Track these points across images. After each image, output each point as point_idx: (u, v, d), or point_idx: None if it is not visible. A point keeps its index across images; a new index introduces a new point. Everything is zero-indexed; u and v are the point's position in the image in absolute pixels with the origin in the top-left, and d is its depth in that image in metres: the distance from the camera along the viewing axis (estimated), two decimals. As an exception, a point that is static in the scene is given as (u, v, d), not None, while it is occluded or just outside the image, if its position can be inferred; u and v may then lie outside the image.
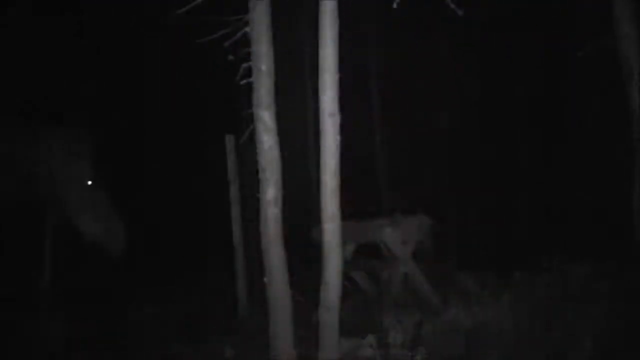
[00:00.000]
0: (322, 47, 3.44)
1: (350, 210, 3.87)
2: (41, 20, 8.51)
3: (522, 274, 5.17)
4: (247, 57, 3.58)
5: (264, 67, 3.51)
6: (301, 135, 9.73)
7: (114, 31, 9.10)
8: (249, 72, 3.58)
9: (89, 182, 5.31)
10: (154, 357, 4.97)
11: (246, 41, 3.59)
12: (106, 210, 5.29)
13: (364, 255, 6.10)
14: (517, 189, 11.86)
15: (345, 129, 3.49)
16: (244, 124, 3.81)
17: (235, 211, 5.90)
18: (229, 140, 5.86)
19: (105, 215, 5.24)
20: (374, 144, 10.92)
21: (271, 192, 3.52)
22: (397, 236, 5.53)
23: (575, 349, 4.04)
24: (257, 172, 3.61)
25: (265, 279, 3.57)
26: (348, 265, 5.36)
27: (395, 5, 3.40)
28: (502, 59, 11.18)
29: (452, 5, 3.45)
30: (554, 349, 4.09)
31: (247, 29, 3.57)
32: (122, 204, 5.77)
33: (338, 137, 3.46)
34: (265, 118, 3.52)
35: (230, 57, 3.83)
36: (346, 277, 5.02)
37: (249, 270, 5.91)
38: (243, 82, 3.66)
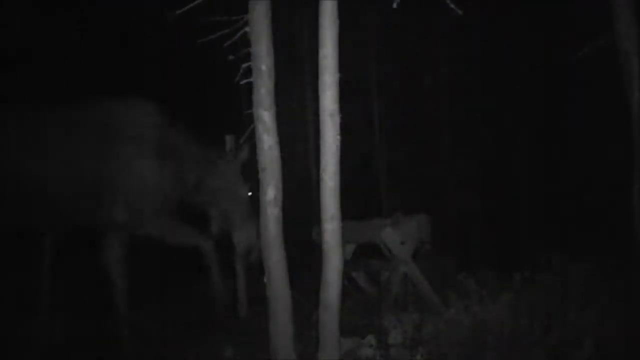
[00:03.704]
0: (322, 46, 3.43)
1: (350, 210, 3.87)
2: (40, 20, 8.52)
3: (522, 274, 5.17)
4: (247, 57, 3.57)
5: (264, 67, 3.50)
6: (301, 135, 9.74)
7: (113, 31, 9.09)
8: (249, 72, 3.57)
9: (250, 194, 5.50)
10: (154, 357, 4.97)
11: (246, 41, 3.59)
12: (254, 221, 5.32)
13: (364, 255, 6.11)
14: (517, 189, 11.88)
15: (345, 129, 3.48)
16: (244, 124, 3.80)
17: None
18: (229, 140, 5.86)
19: (255, 226, 5.30)
20: (374, 144, 10.92)
21: (271, 192, 3.52)
22: (397, 236, 5.53)
23: (575, 349, 4.04)
24: (257, 172, 3.60)
25: (265, 279, 3.56)
26: (348, 265, 5.37)
27: (395, 5, 3.39)
28: (503, 59, 11.19)
29: (452, 5, 3.45)
30: (554, 349, 4.09)
31: (247, 29, 3.57)
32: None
33: (338, 137, 3.45)
34: (265, 118, 3.51)
35: (231, 57, 3.83)
36: (346, 277, 5.03)
37: (249, 270, 5.91)
38: (243, 82, 3.65)
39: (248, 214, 5.49)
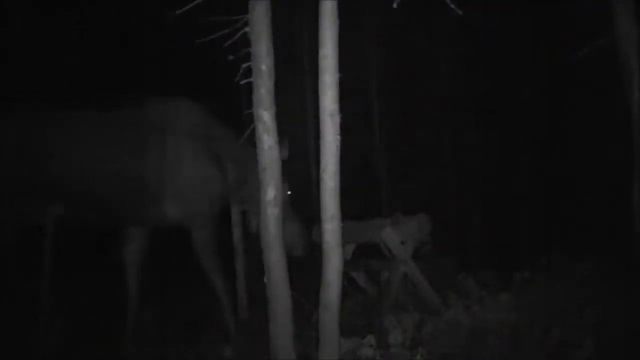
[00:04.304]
0: (322, 46, 3.43)
1: (350, 210, 3.87)
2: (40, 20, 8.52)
3: (522, 274, 5.17)
4: (247, 57, 3.57)
5: (264, 67, 3.50)
6: (301, 135, 9.73)
7: (112, 31, 9.09)
8: (249, 72, 3.57)
9: (289, 193, 5.60)
10: (154, 357, 4.97)
11: (246, 41, 3.59)
12: (295, 218, 5.62)
13: (364, 255, 6.11)
14: (517, 189, 11.88)
15: (345, 129, 3.48)
16: (244, 124, 3.81)
17: (235, 211, 5.90)
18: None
19: (295, 223, 5.60)
20: (374, 144, 10.92)
21: (271, 192, 3.52)
22: (397, 236, 5.52)
23: (575, 349, 4.04)
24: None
25: (265, 279, 3.56)
26: (348, 265, 5.37)
27: (395, 5, 3.39)
28: (503, 59, 11.20)
29: (452, 5, 3.45)
30: (554, 349, 4.09)
31: (247, 29, 3.56)
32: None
33: (338, 137, 3.45)
34: (265, 118, 3.51)
35: (231, 57, 3.83)
36: (346, 277, 5.03)
37: (249, 270, 5.91)
38: (243, 82, 3.65)
39: (287, 211, 5.58)
